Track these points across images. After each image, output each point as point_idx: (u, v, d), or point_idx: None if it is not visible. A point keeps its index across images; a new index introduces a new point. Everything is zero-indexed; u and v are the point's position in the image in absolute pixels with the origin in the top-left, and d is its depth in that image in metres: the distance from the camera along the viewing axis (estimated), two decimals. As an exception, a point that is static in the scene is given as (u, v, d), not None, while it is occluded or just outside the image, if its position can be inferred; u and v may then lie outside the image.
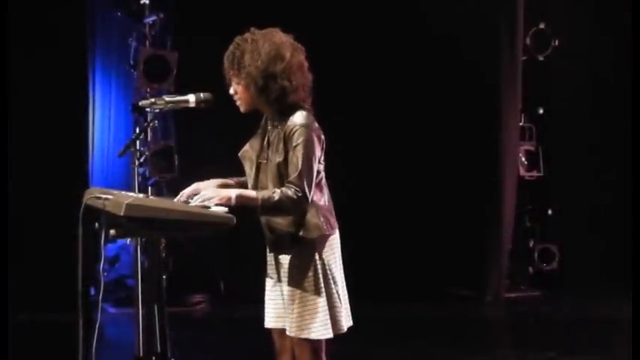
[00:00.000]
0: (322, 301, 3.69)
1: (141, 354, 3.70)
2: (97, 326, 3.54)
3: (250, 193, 3.66)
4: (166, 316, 3.66)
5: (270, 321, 3.86)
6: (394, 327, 7.54)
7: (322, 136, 3.72)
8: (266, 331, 3.90)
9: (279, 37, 3.72)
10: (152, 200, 3.70)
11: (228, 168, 3.97)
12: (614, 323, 7.33)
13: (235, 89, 3.74)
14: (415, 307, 8.28)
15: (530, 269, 9.16)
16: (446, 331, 7.49)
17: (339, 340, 3.82)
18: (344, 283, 3.82)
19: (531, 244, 9.21)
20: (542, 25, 9.17)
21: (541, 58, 9.21)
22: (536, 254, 9.15)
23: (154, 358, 3.67)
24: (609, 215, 9.42)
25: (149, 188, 8.01)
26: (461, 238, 8.80)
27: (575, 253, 9.27)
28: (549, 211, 9.36)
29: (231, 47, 3.72)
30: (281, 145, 3.66)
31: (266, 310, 3.88)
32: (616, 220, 9.23)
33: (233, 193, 3.61)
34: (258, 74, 3.64)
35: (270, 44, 3.67)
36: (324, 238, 3.73)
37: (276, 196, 3.59)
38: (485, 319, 8.29)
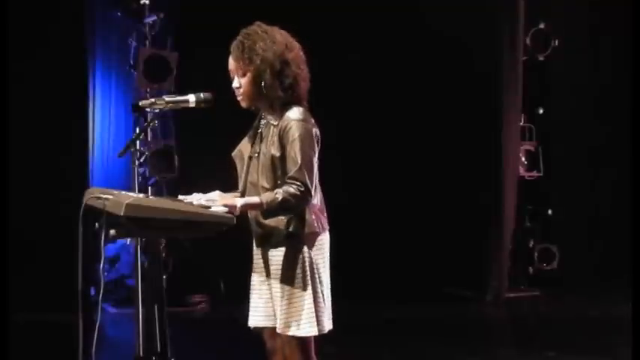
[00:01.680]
0: (308, 298, 3.67)
1: (141, 354, 3.70)
2: (97, 326, 3.54)
3: (254, 199, 3.62)
4: (166, 316, 3.66)
5: (259, 320, 3.82)
6: (394, 327, 7.54)
7: (318, 133, 3.71)
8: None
9: (283, 31, 3.75)
10: (152, 200, 3.70)
11: (228, 168, 3.97)
12: (614, 323, 7.33)
13: (240, 82, 3.71)
14: (415, 307, 8.28)
15: (530, 269, 9.16)
16: (446, 331, 7.49)
17: (339, 340, 3.82)
18: (329, 286, 3.79)
19: (531, 244, 9.21)
20: (542, 25, 9.17)
21: (541, 58, 9.21)
22: (536, 254, 9.15)
23: (154, 358, 3.67)
24: (609, 215, 9.43)
25: (149, 188, 8.01)
26: (461, 238, 8.80)
27: (575, 253, 9.27)
28: (549, 211, 9.36)
29: (239, 38, 3.71)
30: (276, 140, 3.63)
31: (253, 309, 3.83)
32: (616, 220, 9.24)
33: (238, 202, 3.58)
34: (275, 58, 3.64)
35: (279, 35, 3.71)
36: (313, 236, 3.70)
37: (280, 197, 3.56)
38: (485, 319, 8.28)
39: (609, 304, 8.17)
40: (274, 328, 3.78)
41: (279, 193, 3.57)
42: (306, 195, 3.59)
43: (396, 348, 6.74)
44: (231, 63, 3.73)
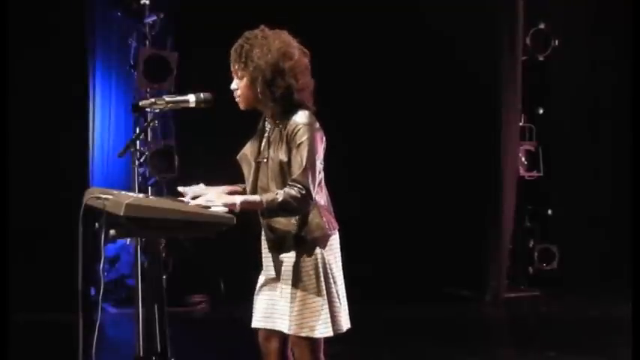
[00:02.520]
0: (323, 299, 3.68)
1: (141, 354, 3.70)
2: (97, 326, 3.54)
3: (254, 197, 3.64)
4: (166, 316, 3.66)
5: (257, 320, 3.83)
6: (394, 327, 7.54)
7: (324, 137, 3.72)
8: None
9: (288, 36, 3.74)
10: (152, 200, 3.70)
11: (228, 168, 3.97)
12: (614, 323, 7.33)
13: (237, 84, 3.72)
14: (415, 308, 8.28)
15: (530, 269, 9.17)
16: (446, 331, 7.49)
17: (339, 340, 3.82)
18: (343, 284, 3.81)
19: (531, 244, 9.21)
20: (542, 25, 9.17)
21: (541, 58, 9.21)
22: (536, 254, 9.15)
23: (154, 358, 3.67)
24: (609, 215, 9.43)
25: (149, 188, 8.01)
26: (461, 238, 8.80)
27: (575, 253, 9.27)
28: (549, 211, 9.37)
29: (240, 40, 3.72)
30: (283, 144, 3.65)
31: (254, 309, 3.85)
32: (616, 220, 9.24)
33: (237, 199, 3.58)
34: (267, 68, 3.63)
35: (280, 41, 3.69)
36: (325, 238, 3.73)
37: (280, 197, 3.57)
38: (485, 319, 8.29)
39: (609, 304, 8.17)
40: (270, 331, 3.80)
41: (279, 194, 3.59)
42: (306, 198, 3.60)
43: (396, 348, 6.74)
44: (231, 63, 3.75)
